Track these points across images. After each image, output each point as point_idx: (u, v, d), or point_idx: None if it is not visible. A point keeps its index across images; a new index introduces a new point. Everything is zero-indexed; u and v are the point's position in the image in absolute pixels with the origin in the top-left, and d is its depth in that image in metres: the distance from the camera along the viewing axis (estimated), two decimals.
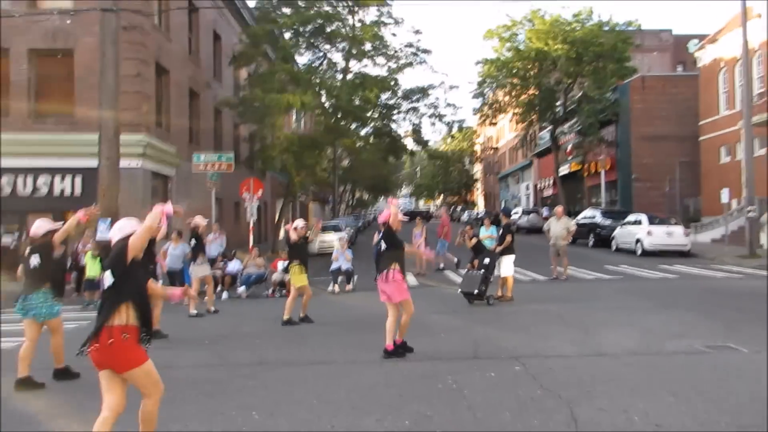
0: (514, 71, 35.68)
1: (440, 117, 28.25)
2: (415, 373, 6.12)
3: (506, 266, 10.88)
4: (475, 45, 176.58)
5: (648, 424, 4.43)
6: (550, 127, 37.69)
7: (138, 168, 16.33)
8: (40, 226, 6.31)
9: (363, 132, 28.09)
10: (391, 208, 6.88)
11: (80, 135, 15.46)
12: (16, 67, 16.29)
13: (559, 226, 14.04)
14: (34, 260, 6.11)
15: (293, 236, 9.98)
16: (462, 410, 4.90)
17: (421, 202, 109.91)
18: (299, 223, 10.40)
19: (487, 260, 10.70)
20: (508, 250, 10.98)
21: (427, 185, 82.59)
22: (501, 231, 11.32)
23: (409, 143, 31.57)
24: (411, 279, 15.56)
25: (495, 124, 46.40)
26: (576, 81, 33.83)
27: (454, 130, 35.68)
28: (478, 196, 77.23)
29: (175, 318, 9.80)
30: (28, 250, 6.26)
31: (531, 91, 36.27)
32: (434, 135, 76.20)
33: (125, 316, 3.76)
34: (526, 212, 37.06)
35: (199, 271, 11.22)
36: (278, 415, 4.99)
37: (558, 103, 35.27)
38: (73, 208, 15.64)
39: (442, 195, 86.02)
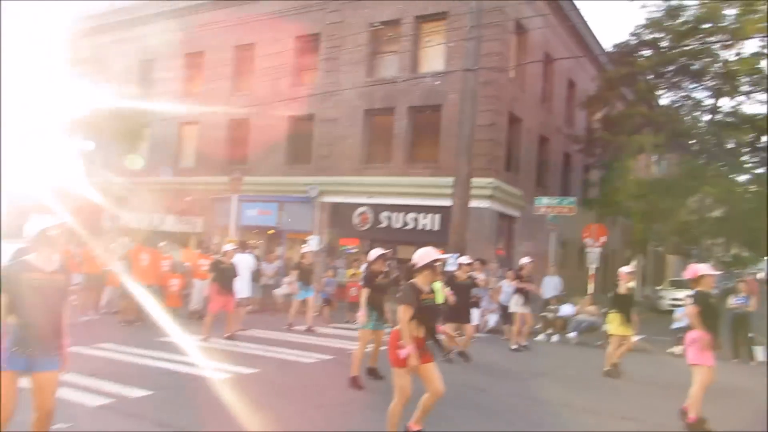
0: None
1: None
2: None
3: None
4: None
5: None
6: None
7: (486, 208, 18.11)
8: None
9: (741, 178, 24.66)
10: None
11: (441, 178, 18.06)
12: (398, 122, 20.08)
13: None
14: None
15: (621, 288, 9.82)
16: None
17: None
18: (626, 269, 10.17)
19: None
20: None
21: None
22: None
23: None
24: None
25: None
26: None
27: None
28: None
29: (495, 349, 10.68)
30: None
31: None
32: None
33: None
34: None
35: (517, 307, 11.89)
36: None
37: None
38: (431, 241, 18.53)
39: None
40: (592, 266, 18.45)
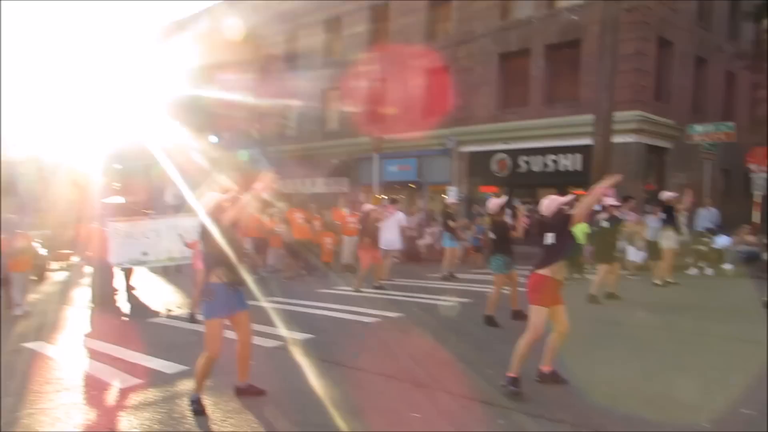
0: None
1: None
2: None
3: None
4: None
5: None
6: None
7: (632, 143, 17.24)
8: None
9: None
10: None
11: (581, 116, 17.42)
12: (535, 63, 19.55)
13: None
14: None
15: None
16: None
17: None
18: None
19: None
20: None
21: None
22: None
23: None
24: None
25: None
26: None
27: None
28: None
29: (642, 285, 10.53)
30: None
31: None
32: None
33: (554, 269, 5.14)
34: None
35: (665, 243, 11.50)
36: (665, 372, 5.40)
37: None
38: (573, 182, 18.17)
39: None
40: (758, 193, 16.89)
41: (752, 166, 17.36)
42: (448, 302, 9.87)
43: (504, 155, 19.70)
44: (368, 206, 12.53)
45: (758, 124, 21.67)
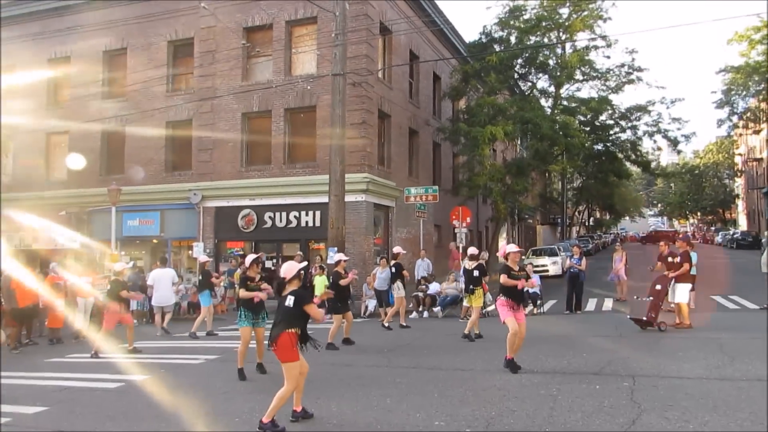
0: None
1: (665, 132, 26.96)
2: (530, 381, 7.21)
3: (680, 293, 10.84)
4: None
5: None
6: None
7: (362, 201, 19.49)
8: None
9: (581, 155, 28.16)
10: (509, 246, 8.20)
11: (318, 176, 19.13)
12: (276, 124, 20.86)
13: None
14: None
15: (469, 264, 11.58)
16: (544, 409, 5.96)
17: (676, 222, 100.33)
18: (471, 250, 12.02)
19: (658, 287, 10.83)
20: (684, 278, 10.93)
21: (678, 203, 75.34)
22: (679, 258, 11.25)
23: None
24: (608, 304, 15.81)
25: (758, 132, 41.93)
26: None
27: (688, 145, 33.40)
28: (739, 215, 67.79)
29: (372, 329, 12.09)
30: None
31: None
32: (669, 153, 69.95)
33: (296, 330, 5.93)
34: None
35: (396, 292, 13.50)
36: (405, 401, 6.65)
37: None
38: (313, 237, 19.68)
39: (699, 213, 77.61)
40: (460, 245, 20.46)
41: (455, 222, 21.04)
42: (197, 360, 10.01)
43: (250, 211, 20.38)
44: (121, 265, 12.17)
45: (459, 184, 26.22)
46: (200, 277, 13.65)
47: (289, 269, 6.21)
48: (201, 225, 20.99)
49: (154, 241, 21.85)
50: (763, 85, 33.63)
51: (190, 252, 20.43)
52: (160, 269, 14.42)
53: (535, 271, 23.16)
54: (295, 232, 19.95)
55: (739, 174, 64.11)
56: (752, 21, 37.37)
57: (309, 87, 19.88)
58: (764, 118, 37.74)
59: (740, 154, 63.52)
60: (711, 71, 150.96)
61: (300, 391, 6.14)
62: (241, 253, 20.14)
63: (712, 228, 60.87)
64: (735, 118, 38.18)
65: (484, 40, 25.14)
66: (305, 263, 10.20)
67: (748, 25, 43.07)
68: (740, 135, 52.25)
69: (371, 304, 16.03)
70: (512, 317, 7.83)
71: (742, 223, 63.33)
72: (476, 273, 11.52)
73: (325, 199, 17.36)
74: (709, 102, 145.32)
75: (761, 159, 55.18)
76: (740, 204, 67.75)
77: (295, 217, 20.05)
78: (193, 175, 21.35)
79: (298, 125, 20.78)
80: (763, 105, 36.13)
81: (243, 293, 8.65)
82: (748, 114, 37.57)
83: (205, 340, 12.58)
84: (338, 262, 11.51)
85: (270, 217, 20.22)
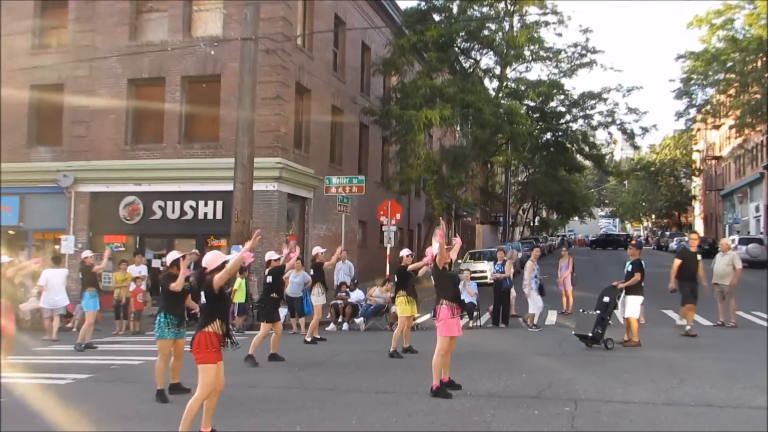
0: (729, 65, 34.40)
1: (621, 124, 28.40)
2: (463, 406, 7.45)
3: (631, 307, 11.48)
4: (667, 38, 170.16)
5: None
6: None
7: (274, 191, 19.30)
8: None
9: (527, 145, 29.18)
10: (434, 245, 8.35)
11: (222, 159, 18.81)
12: (171, 95, 20.30)
13: (722, 263, 14.04)
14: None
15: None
16: None
17: (629, 225, 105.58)
18: (405, 252, 12.20)
19: (606, 299, 11.43)
20: (635, 290, 11.58)
21: (631, 204, 79.45)
22: (631, 267, 11.89)
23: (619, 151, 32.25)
24: (552, 317, 16.50)
25: (718, 127, 44.85)
26: None
27: (645, 138, 35.42)
28: (696, 218, 72.51)
29: (283, 342, 12.04)
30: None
31: (753, 89, 34.45)
32: (623, 149, 73.82)
33: (215, 326, 6.09)
34: (744, 241, 34.71)
35: (316, 300, 13.55)
36: (318, 429, 6.71)
37: None
38: (214, 231, 19.33)
39: (653, 216, 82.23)
40: (389, 245, 20.70)
41: (383, 219, 21.24)
42: (65, 380, 9.67)
43: (135, 198, 19.76)
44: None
45: (390, 177, 26.47)
46: (81, 276, 13.72)
47: (212, 259, 6.38)
48: (72, 214, 20.22)
49: (10, 232, 20.74)
50: (722, 75, 35.93)
51: (57, 247, 19.57)
52: (53, 269, 14.84)
53: (473, 278, 23.92)
54: (191, 225, 19.54)
55: (696, 173, 68.33)
56: (714, 4, 39.71)
57: (213, 52, 19.44)
58: (723, 113, 40.27)
59: (698, 151, 67.74)
60: (672, 58, 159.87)
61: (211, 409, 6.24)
62: (123, 248, 19.55)
63: (667, 233, 64.58)
64: (693, 111, 40.55)
65: (423, 7, 25.51)
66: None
67: (709, 8, 45.99)
68: (698, 130, 55.60)
69: (281, 313, 15.93)
70: (451, 330, 8.03)
71: (699, 228, 67.65)
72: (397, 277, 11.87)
73: (229, 186, 17.16)
74: (669, 92, 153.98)
75: (720, 157, 59.21)
76: (697, 207, 72.36)
77: (191, 207, 19.64)
78: (63, 153, 20.47)
79: (198, 97, 20.32)
80: (722, 97, 38.51)
81: (174, 286, 8.29)
82: (707, 107, 39.99)
83: (76, 355, 12.17)
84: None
85: (160, 206, 19.72)
